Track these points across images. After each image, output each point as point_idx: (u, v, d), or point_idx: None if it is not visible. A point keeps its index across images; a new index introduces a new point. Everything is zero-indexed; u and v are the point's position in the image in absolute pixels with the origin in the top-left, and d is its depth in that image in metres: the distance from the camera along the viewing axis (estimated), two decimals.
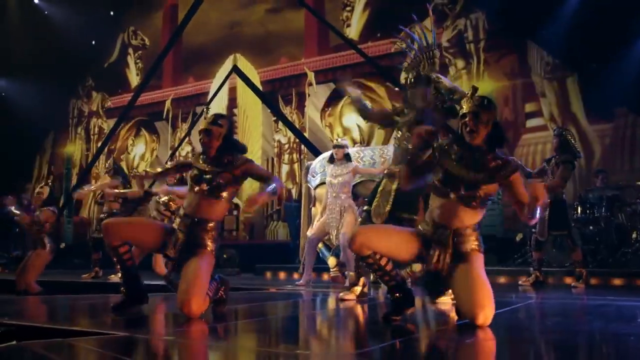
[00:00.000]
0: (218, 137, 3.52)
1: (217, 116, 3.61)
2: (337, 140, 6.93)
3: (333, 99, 12.28)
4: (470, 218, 3.02)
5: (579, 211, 8.07)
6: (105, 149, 14.23)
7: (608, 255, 7.63)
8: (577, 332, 2.93)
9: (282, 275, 9.34)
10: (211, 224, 3.47)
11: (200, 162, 3.57)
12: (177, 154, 13.94)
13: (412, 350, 2.58)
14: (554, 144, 6.58)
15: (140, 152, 15.44)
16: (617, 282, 7.03)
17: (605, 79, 8.91)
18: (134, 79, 15.72)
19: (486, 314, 2.83)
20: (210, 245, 3.43)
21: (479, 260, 3.02)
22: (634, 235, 7.59)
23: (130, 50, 15.91)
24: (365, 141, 11.65)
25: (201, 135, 3.54)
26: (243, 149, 3.64)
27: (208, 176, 3.46)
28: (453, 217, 3.01)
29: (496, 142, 3.02)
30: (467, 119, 2.98)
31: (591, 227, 7.84)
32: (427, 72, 6.56)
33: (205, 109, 12.78)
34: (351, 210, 6.41)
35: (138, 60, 15.76)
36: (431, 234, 3.07)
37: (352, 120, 11.94)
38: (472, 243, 3.02)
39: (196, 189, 3.48)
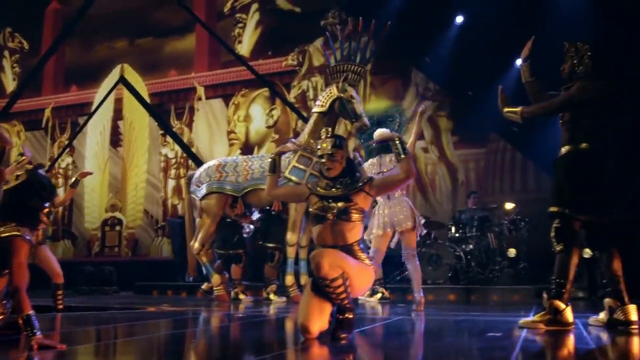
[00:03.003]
0: None
1: None
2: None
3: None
4: (351, 234, 3.21)
5: (453, 230, 8.50)
6: None
7: (478, 273, 8.05)
8: (423, 347, 3.04)
9: (168, 293, 9.04)
10: None
11: None
12: (56, 165, 13.23)
13: None
14: None
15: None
16: (487, 297, 7.43)
17: (480, 105, 9.45)
18: (10, 84, 14.71)
19: None
20: None
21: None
22: (510, 255, 8.00)
23: (7, 53, 14.87)
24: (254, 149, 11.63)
25: None
26: None
27: None
28: (336, 236, 3.19)
29: (350, 174, 3.32)
30: (324, 160, 3.30)
31: (463, 246, 8.25)
32: (345, 85, 6.56)
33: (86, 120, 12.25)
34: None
35: (15, 64, 14.77)
36: None
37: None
38: (363, 260, 3.21)
39: None
